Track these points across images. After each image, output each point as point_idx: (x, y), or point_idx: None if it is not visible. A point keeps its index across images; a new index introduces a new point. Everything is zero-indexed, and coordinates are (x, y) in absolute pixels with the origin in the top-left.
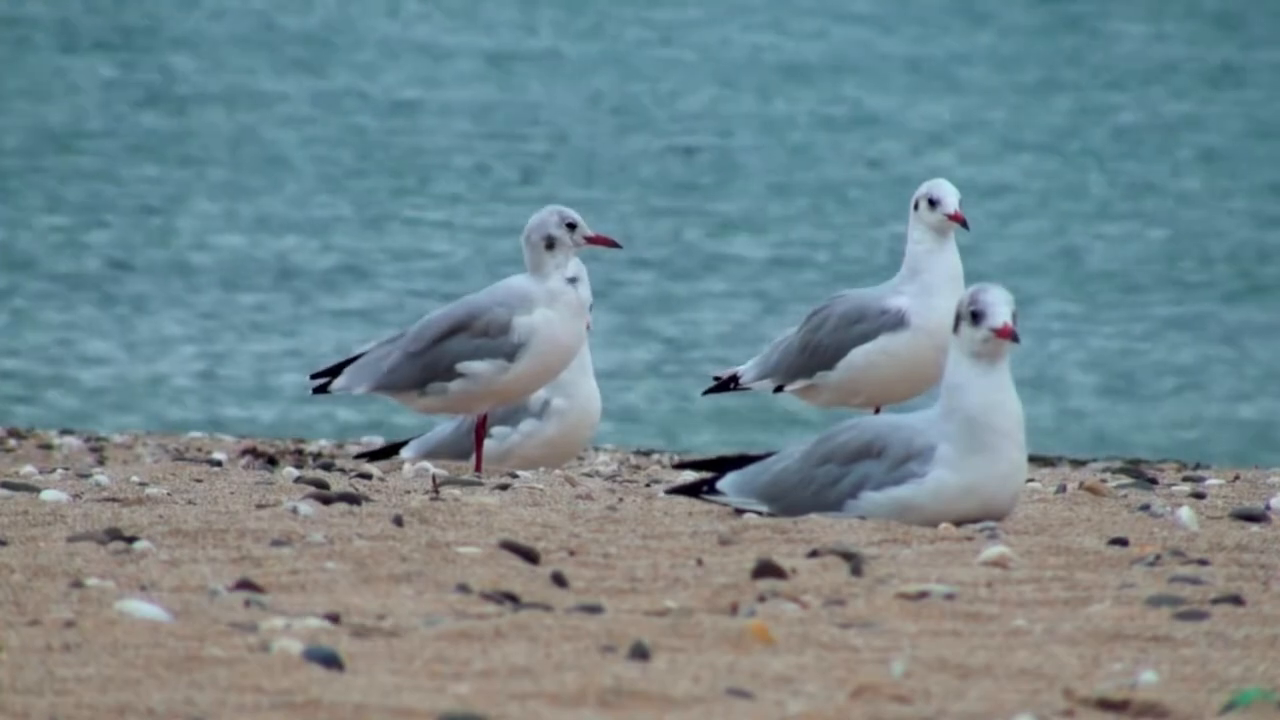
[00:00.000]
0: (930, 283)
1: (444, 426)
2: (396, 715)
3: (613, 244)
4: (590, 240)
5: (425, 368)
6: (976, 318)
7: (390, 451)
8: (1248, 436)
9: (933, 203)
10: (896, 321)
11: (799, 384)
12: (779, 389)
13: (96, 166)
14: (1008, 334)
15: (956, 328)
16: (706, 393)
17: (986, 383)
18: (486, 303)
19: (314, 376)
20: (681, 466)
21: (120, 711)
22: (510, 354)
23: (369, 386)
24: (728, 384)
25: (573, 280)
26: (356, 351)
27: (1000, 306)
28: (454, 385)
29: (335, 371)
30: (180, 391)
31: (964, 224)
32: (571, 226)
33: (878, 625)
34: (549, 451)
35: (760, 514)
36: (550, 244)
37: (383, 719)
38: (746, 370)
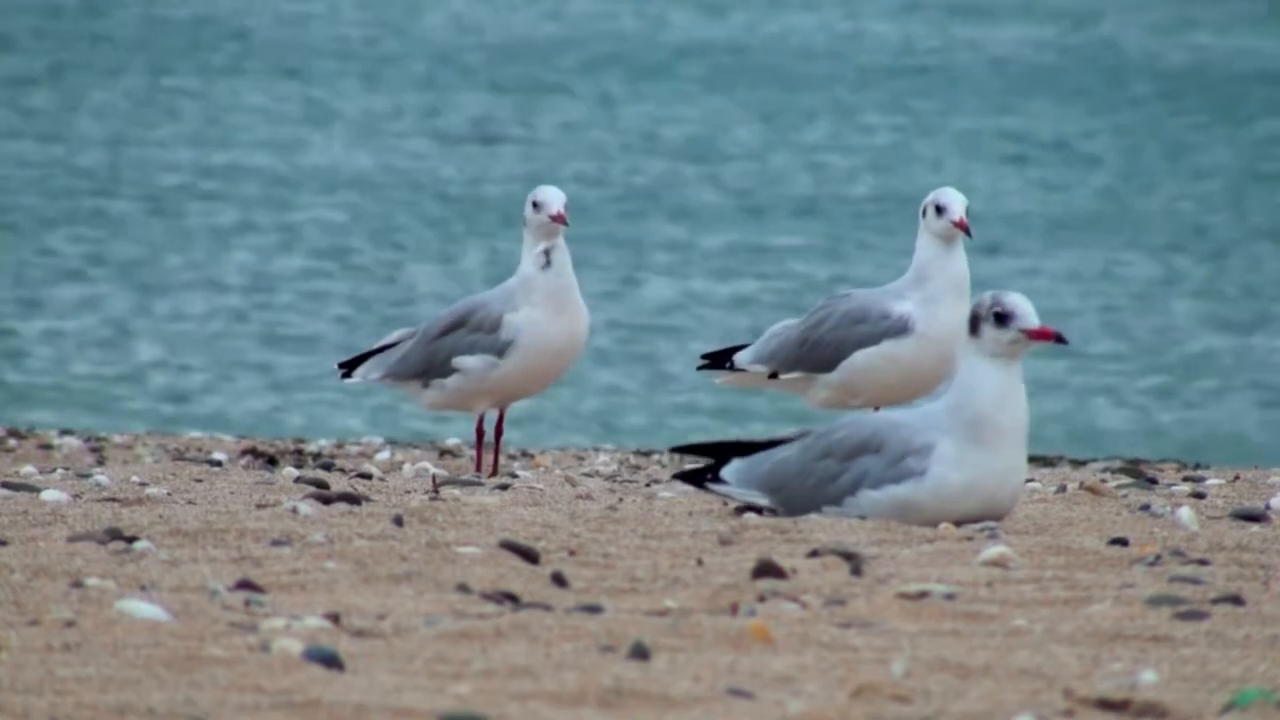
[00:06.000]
0: (936, 290)
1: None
2: (396, 715)
3: (560, 221)
4: (553, 219)
5: (426, 360)
6: (1002, 319)
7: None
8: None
9: (939, 210)
10: (900, 328)
11: (796, 374)
12: (774, 375)
13: None
14: (1048, 335)
15: (976, 330)
16: (701, 368)
17: (1000, 380)
18: (485, 298)
19: (341, 365)
20: (679, 450)
21: (120, 711)
22: (500, 350)
23: (380, 375)
24: (723, 363)
25: (547, 252)
26: (384, 342)
27: (1029, 309)
28: (450, 380)
29: (362, 360)
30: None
31: (968, 232)
32: (536, 205)
33: (878, 625)
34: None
35: (761, 508)
36: (526, 224)
37: (383, 719)
38: (743, 355)
